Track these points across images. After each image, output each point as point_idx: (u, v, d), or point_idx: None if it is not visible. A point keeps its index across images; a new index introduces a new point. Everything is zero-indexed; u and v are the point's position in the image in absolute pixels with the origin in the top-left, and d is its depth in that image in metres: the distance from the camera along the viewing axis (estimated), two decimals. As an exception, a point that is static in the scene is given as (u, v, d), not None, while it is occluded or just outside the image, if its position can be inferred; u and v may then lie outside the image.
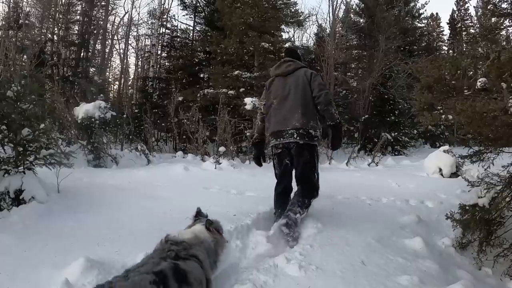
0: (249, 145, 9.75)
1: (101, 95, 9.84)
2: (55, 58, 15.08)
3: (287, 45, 13.45)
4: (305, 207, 3.01)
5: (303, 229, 3.07)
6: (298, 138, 3.02)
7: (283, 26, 12.73)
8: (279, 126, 3.11)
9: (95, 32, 17.69)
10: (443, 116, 3.13)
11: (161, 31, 17.00)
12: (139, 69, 21.11)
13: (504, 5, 3.66)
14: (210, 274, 1.92)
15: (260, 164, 3.68)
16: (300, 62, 3.29)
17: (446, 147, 6.79)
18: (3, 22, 15.00)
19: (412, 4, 17.12)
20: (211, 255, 2.00)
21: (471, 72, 3.05)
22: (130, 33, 20.19)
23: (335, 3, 16.51)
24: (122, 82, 19.97)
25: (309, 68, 3.25)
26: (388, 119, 14.34)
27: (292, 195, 3.19)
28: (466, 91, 2.75)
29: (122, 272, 1.69)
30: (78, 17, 17.25)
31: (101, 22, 18.00)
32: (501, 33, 4.78)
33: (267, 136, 3.29)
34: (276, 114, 3.15)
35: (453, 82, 2.84)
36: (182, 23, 25.00)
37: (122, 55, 20.25)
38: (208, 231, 2.09)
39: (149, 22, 18.98)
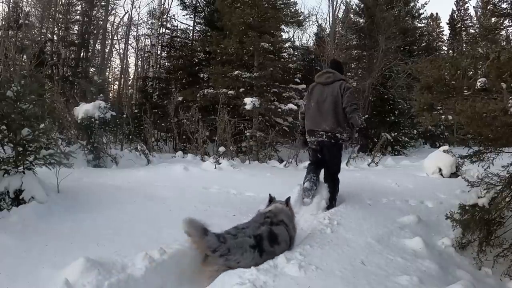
0: (248, 145, 9.76)
1: (101, 95, 9.82)
2: (55, 58, 15.07)
3: (287, 44, 13.46)
4: (334, 197, 3.82)
5: (304, 230, 3.14)
6: (326, 139, 3.72)
7: (283, 26, 12.72)
8: (313, 126, 3.81)
9: (95, 32, 17.69)
10: (443, 116, 3.13)
11: (161, 31, 16.99)
12: (139, 69, 21.13)
13: (504, 5, 3.67)
14: (293, 233, 2.73)
15: (304, 147, 4.49)
16: (339, 74, 3.87)
17: (446, 147, 6.79)
18: (3, 22, 14.99)
19: (412, 4, 17.11)
20: (291, 220, 2.83)
21: (471, 72, 3.05)
22: (130, 33, 20.22)
23: (335, 3, 16.54)
24: (122, 82, 20.00)
25: (345, 81, 3.84)
26: (388, 119, 14.34)
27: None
28: (466, 91, 2.75)
29: (233, 228, 2.45)
30: (78, 17, 17.24)
31: (101, 22, 18.00)
32: (501, 33, 4.78)
33: (306, 130, 3.97)
34: (312, 116, 3.82)
35: (453, 82, 2.84)
36: (182, 23, 25.00)
37: (122, 55, 20.28)
38: (286, 206, 2.96)
39: (149, 22, 19.00)
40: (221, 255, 2.23)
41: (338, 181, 3.93)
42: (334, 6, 15.95)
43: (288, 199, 3.05)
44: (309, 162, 4.15)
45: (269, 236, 2.45)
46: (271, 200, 3.05)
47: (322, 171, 4.00)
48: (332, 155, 3.84)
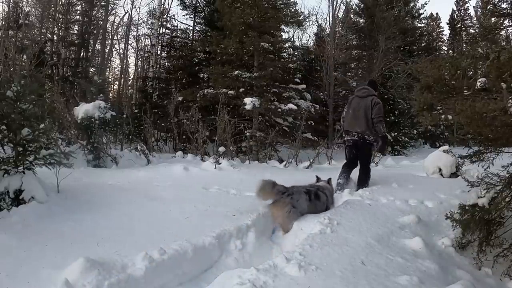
0: (248, 145, 9.76)
1: (101, 95, 9.83)
2: (55, 58, 15.07)
3: (287, 44, 13.45)
4: (366, 181, 4.89)
5: (304, 230, 3.16)
6: (357, 138, 4.84)
7: (283, 26, 12.71)
8: (349, 128, 4.93)
9: (95, 32, 17.69)
10: (443, 116, 3.13)
11: (161, 31, 16.99)
12: (139, 69, 21.14)
13: (504, 5, 3.66)
14: (330, 204, 3.92)
15: (340, 142, 6.01)
16: (373, 91, 4.91)
17: (446, 147, 6.78)
18: (3, 22, 15.00)
19: (412, 4, 17.11)
20: (331, 195, 4.07)
21: (471, 72, 3.05)
22: (130, 33, 20.24)
23: (335, 3, 16.53)
24: (122, 82, 20.01)
25: (376, 97, 4.85)
26: (388, 119, 14.30)
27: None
28: (466, 91, 2.75)
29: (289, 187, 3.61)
30: (78, 17, 17.25)
31: (101, 22, 18.00)
32: (501, 33, 4.77)
33: (343, 130, 5.12)
34: (349, 120, 4.95)
35: (453, 82, 2.84)
36: (182, 23, 25.04)
37: (122, 55, 20.29)
38: (328, 183, 4.22)
39: (149, 22, 19.01)
40: (288, 195, 3.46)
41: (369, 170, 5.02)
42: (334, 6, 15.96)
43: (330, 179, 4.37)
44: (345, 158, 5.19)
45: (315, 193, 3.73)
46: (318, 179, 4.35)
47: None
48: (363, 151, 4.93)
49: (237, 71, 9.79)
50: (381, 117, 4.70)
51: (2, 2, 16.50)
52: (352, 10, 17.24)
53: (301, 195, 3.55)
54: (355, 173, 5.04)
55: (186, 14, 16.85)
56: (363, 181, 4.87)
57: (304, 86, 11.26)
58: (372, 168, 5.27)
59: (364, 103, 4.78)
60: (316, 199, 3.70)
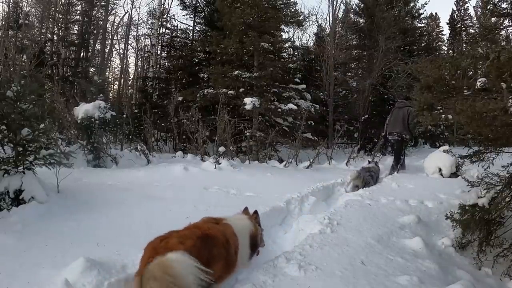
0: (248, 145, 9.75)
1: (101, 95, 9.80)
2: (55, 58, 15.06)
3: (287, 44, 13.44)
4: (395, 167, 7.14)
5: (304, 230, 3.18)
6: (397, 137, 7.16)
7: (283, 26, 12.69)
8: (392, 130, 7.25)
9: (95, 32, 17.68)
10: (443, 116, 3.12)
11: (161, 31, 16.97)
12: (139, 69, 21.12)
13: (504, 5, 3.66)
14: (376, 179, 6.13)
15: (385, 142, 8.42)
16: (408, 103, 7.04)
17: (446, 147, 6.79)
18: (3, 22, 14.98)
19: (412, 4, 17.07)
20: (377, 172, 6.32)
21: (471, 72, 3.05)
22: (130, 33, 20.20)
23: (335, 3, 16.51)
24: (122, 82, 19.97)
25: (410, 107, 6.78)
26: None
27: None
28: (466, 91, 2.74)
29: (361, 169, 6.08)
30: (78, 17, 17.22)
31: (101, 22, 17.99)
32: (501, 33, 4.77)
33: (387, 132, 7.41)
34: (391, 124, 7.30)
35: (453, 82, 2.83)
36: (182, 23, 25.02)
37: (122, 55, 20.26)
38: (376, 165, 6.62)
39: (149, 22, 18.99)
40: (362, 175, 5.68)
41: (400, 159, 7.25)
42: (334, 6, 15.92)
43: (377, 162, 6.93)
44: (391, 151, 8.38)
45: (371, 172, 5.99)
46: (369, 162, 6.80)
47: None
48: (400, 146, 7.25)
49: (237, 71, 9.77)
50: (414, 123, 6.95)
51: (2, 2, 16.51)
52: (352, 10, 17.21)
53: (366, 173, 5.85)
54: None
55: (186, 14, 16.83)
56: (393, 167, 7.14)
57: (304, 86, 11.24)
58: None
59: (402, 112, 7.09)
60: (372, 175, 5.99)
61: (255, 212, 2.57)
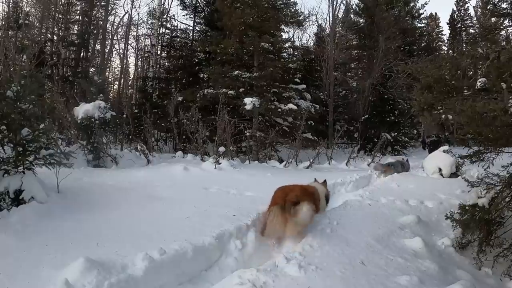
0: (248, 145, 9.75)
1: (101, 95, 9.78)
2: (55, 58, 15.06)
3: (287, 44, 13.46)
4: None
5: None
6: (434, 138, 11.75)
7: (283, 26, 12.71)
8: (428, 133, 11.52)
9: (95, 32, 17.66)
10: (443, 116, 3.13)
11: (161, 31, 16.97)
12: (139, 69, 21.11)
13: (504, 5, 3.66)
14: (404, 169, 7.54)
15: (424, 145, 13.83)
16: None
17: (446, 147, 6.79)
18: (3, 22, 14.97)
19: (412, 4, 17.08)
20: (405, 165, 7.63)
21: (471, 72, 3.05)
22: (130, 33, 20.18)
23: (335, 3, 16.53)
24: (122, 82, 19.99)
25: None
26: (388, 119, 14.33)
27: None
28: (466, 91, 2.75)
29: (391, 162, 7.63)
30: (78, 17, 17.22)
31: (101, 22, 17.96)
32: (501, 33, 4.78)
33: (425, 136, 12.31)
34: (427, 128, 11.54)
35: (453, 82, 2.84)
36: (182, 23, 24.97)
37: (122, 55, 20.26)
38: (406, 161, 8.07)
39: (149, 22, 18.97)
40: (394, 167, 7.07)
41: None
42: (334, 6, 15.94)
43: (407, 158, 8.58)
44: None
45: (401, 164, 7.32)
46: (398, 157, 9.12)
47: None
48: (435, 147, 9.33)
49: (237, 71, 9.78)
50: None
51: (2, 2, 16.49)
52: (352, 10, 17.22)
53: (396, 166, 7.06)
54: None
55: (186, 14, 16.87)
56: None
57: (304, 86, 11.25)
58: (369, 169, 5.61)
59: None
60: (402, 167, 7.15)
61: (325, 181, 3.91)
